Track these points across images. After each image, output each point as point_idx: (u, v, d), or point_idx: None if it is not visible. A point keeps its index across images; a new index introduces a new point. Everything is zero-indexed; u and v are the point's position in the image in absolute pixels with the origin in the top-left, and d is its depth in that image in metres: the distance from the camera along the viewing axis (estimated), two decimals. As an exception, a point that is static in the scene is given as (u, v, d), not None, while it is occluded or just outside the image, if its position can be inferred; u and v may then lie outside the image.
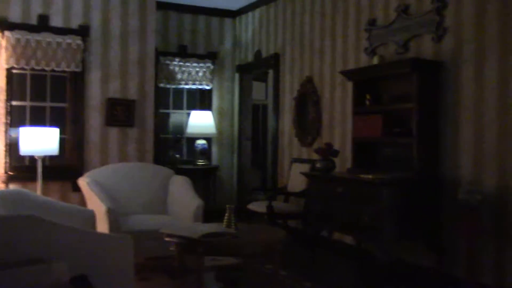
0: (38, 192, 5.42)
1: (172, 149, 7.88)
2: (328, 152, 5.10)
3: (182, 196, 5.34)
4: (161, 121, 7.80)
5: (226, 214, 3.98)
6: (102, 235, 3.34)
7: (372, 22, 5.44)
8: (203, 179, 7.74)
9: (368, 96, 5.11)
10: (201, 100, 8.26)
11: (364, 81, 5.25)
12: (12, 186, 5.96)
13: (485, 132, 4.22)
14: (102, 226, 4.60)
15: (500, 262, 4.08)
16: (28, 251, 2.85)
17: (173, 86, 7.94)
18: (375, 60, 5.08)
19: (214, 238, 3.67)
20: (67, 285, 2.76)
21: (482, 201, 4.00)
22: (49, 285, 2.73)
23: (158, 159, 7.09)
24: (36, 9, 6.25)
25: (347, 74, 5.40)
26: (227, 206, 4.03)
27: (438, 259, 4.51)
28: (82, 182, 5.19)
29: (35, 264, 2.79)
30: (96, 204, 4.80)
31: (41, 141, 5.40)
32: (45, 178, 5.72)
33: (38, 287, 2.71)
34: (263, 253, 4.25)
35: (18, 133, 6.24)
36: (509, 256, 4.02)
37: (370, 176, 4.47)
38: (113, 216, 4.62)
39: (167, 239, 3.89)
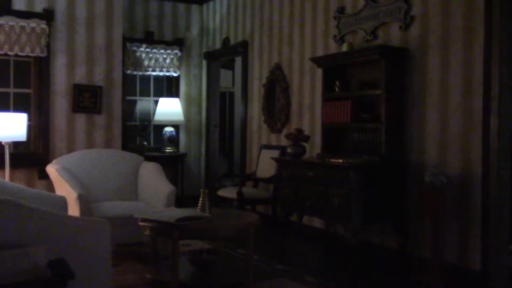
0: (7, 179, 5.30)
1: (139, 136, 7.82)
2: (299, 138, 5.19)
3: (153, 182, 5.33)
4: (128, 108, 7.72)
5: (200, 198, 4.01)
6: (79, 219, 3.31)
7: (341, 10, 5.54)
8: (171, 166, 7.72)
9: (337, 83, 5.22)
10: (169, 87, 8.22)
11: (333, 68, 5.35)
12: (-25, 174, 5.81)
13: (450, 118, 4.38)
14: (73, 212, 4.56)
15: (463, 241, 4.28)
16: (5, 235, 2.82)
17: (140, 73, 7.86)
18: (344, 48, 5.18)
19: (190, 222, 3.69)
20: (45, 269, 2.75)
21: (447, 183, 4.17)
22: (27, 269, 2.72)
23: (126, 147, 7.03)
24: (-2, -8, 6.07)
25: (317, 61, 5.49)
26: (202, 190, 4.06)
27: (404, 241, 4.68)
28: (51, 169, 5.11)
29: (12, 249, 2.77)
30: (66, 191, 4.74)
31: (8, 126, 5.28)
32: (10, 165, 5.59)
33: (16, 271, 2.69)
34: (236, 237, 4.31)
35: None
36: (471, 235, 4.21)
37: (340, 160, 4.58)
38: (84, 202, 4.58)
39: (141, 223, 3.89)
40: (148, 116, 8.02)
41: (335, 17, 5.59)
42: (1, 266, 2.68)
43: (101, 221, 3.23)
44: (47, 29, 6.22)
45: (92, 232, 3.18)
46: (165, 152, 7.75)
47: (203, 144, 8.34)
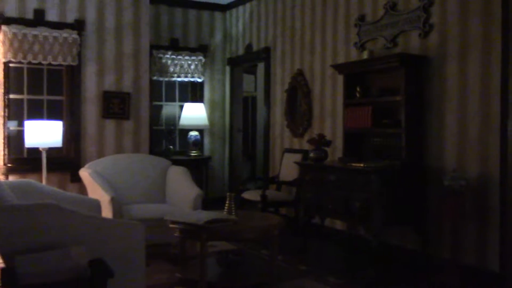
0: (43, 183, 5.58)
1: (165, 140, 8.06)
2: (321, 142, 5.35)
3: (181, 185, 5.55)
4: (154, 113, 7.98)
5: (227, 202, 4.21)
6: (115, 221, 3.55)
7: (361, 18, 5.69)
8: (196, 169, 7.93)
9: (358, 89, 5.37)
10: (193, 93, 8.45)
11: (354, 74, 5.50)
12: (11, 178, 6.11)
13: (468, 123, 4.50)
14: (106, 214, 4.80)
15: (481, 243, 4.39)
16: (48, 236, 3.05)
17: (166, 79, 8.10)
18: (365, 55, 5.34)
19: (217, 224, 3.89)
20: (86, 268, 2.97)
21: (466, 186, 4.30)
22: (69, 268, 2.94)
23: (152, 151, 7.27)
24: (32, 4, 6.36)
25: (338, 67, 5.65)
26: (228, 193, 4.26)
27: (423, 242, 4.81)
28: (84, 173, 5.37)
29: (55, 249, 3.00)
30: (99, 194, 4.99)
31: (45, 133, 5.57)
32: (46, 169, 5.87)
33: (59, 270, 2.92)
34: (260, 238, 4.50)
35: (16, 125, 6.41)
36: (489, 237, 4.33)
37: (361, 165, 4.73)
38: (116, 205, 4.82)
39: (171, 225, 4.10)
40: (173, 121, 8.26)
41: (356, 25, 5.75)
42: (45, 265, 2.91)
43: (135, 223, 3.45)
44: (78, 39, 6.50)
45: (128, 233, 3.40)
46: (190, 155, 7.98)
47: (227, 147, 8.56)
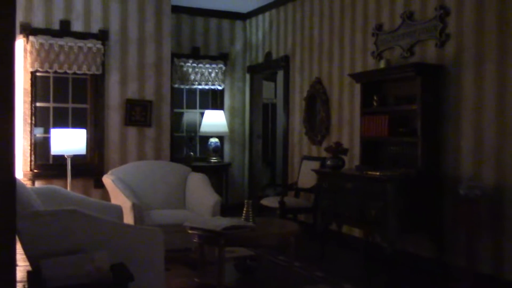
0: (68, 189, 5.77)
1: (186, 147, 8.22)
2: (338, 151, 5.42)
3: (200, 192, 5.68)
4: (175, 120, 8.15)
5: (245, 208, 4.31)
6: (136, 227, 3.68)
7: (379, 27, 5.75)
8: (216, 175, 8.07)
9: (375, 97, 5.43)
10: (213, 100, 8.60)
11: (371, 83, 5.56)
12: (37, 184, 6.32)
13: (484, 132, 4.53)
14: (128, 220, 4.94)
15: (497, 252, 4.41)
16: (72, 241, 3.20)
17: (187, 87, 8.26)
18: (382, 64, 5.40)
19: (235, 230, 4.00)
20: (108, 272, 3.11)
21: (481, 196, 4.32)
22: (91, 271, 3.08)
23: (173, 157, 7.43)
24: (58, 15, 6.59)
25: (355, 76, 5.72)
26: (246, 200, 4.36)
27: (439, 250, 4.84)
28: (107, 179, 5.54)
29: (79, 253, 3.15)
30: (121, 200, 5.14)
31: (70, 141, 5.77)
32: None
33: (82, 274, 3.06)
34: (278, 245, 4.59)
35: (42, 132, 6.63)
36: (505, 246, 4.34)
37: (377, 173, 4.79)
38: (138, 210, 4.97)
39: (190, 231, 4.22)
40: (194, 128, 8.42)
41: (373, 34, 5.81)
42: (69, 268, 3.05)
43: (155, 229, 3.58)
44: (102, 49, 6.70)
45: (147, 239, 3.53)
46: (210, 162, 8.11)
47: (247, 154, 8.67)
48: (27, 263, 3.23)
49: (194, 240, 4.27)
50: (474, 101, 4.64)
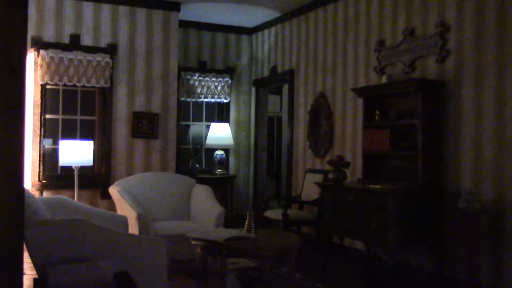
0: (75, 199, 5.89)
1: (192, 159, 8.33)
2: (340, 164, 5.50)
3: (205, 203, 5.77)
4: (182, 132, 8.27)
5: (247, 220, 4.40)
6: (140, 237, 3.77)
7: (381, 43, 5.86)
8: (221, 187, 8.17)
9: (377, 112, 5.52)
10: (220, 113, 8.72)
11: (373, 98, 5.66)
12: (45, 194, 6.45)
13: (484, 146, 4.61)
14: (133, 230, 5.04)
15: (496, 265, 4.46)
16: (77, 250, 3.30)
17: (193, 100, 8.39)
18: (384, 79, 5.50)
19: (237, 241, 4.08)
20: (111, 280, 3.20)
21: (481, 209, 4.38)
22: (96, 280, 3.18)
23: (179, 169, 7.54)
24: (69, 29, 6.76)
25: (358, 91, 5.82)
26: (248, 212, 4.45)
27: (440, 263, 4.89)
28: (113, 190, 5.65)
29: (84, 262, 3.24)
30: (126, 211, 5.25)
31: (78, 152, 5.90)
32: (77, 186, 6.18)
33: (86, 282, 3.16)
34: (279, 256, 4.66)
35: (51, 144, 6.76)
36: (505, 259, 4.39)
37: (378, 186, 4.87)
38: (143, 221, 5.07)
39: (193, 242, 4.31)
40: (200, 140, 8.53)
41: (375, 50, 5.92)
42: (74, 276, 3.15)
43: (159, 239, 3.67)
44: (111, 62, 6.86)
45: (151, 249, 3.62)
46: (216, 174, 8.21)
47: (252, 167, 8.77)
48: (34, 272, 3.33)
49: (197, 251, 4.35)
50: (474, 116, 4.72)
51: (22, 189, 2.02)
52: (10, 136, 1.86)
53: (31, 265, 3.30)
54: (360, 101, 5.91)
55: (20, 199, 1.94)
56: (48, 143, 6.77)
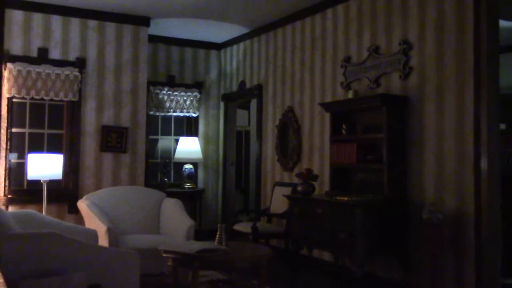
0: (44, 213, 5.81)
1: (160, 173, 8.33)
2: (308, 177, 5.62)
3: (174, 217, 5.79)
4: (150, 146, 8.27)
5: (218, 232, 4.45)
6: (112, 250, 3.78)
7: (347, 59, 6.05)
8: (190, 201, 8.17)
9: (344, 126, 5.68)
10: (188, 127, 8.76)
11: (340, 112, 5.82)
12: (11, 209, 6.33)
13: (445, 160, 4.81)
14: (102, 244, 5.02)
15: (459, 273, 4.63)
16: (50, 263, 3.29)
17: (162, 114, 8.41)
18: (350, 94, 5.67)
19: (209, 253, 4.13)
20: (85, 293, 3.21)
21: (443, 220, 4.56)
22: (69, 293, 3.17)
23: (148, 183, 7.53)
24: (37, 43, 6.72)
25: (325, 106, 5.98)
26: (219, 225, 4.51)
27: (406, 273, 5.04)
28: (82, 204, 5.61)
29: (57, 275, 3.24)
30: (95, 224, 5.22)
31: (46, 166, 5.84)
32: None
33: (59, 295, 3.15)
34: (250, 268, 4.72)
35: (16, 158, 6.67)
36: (466, 269, 4.57)
37: (345, 198, 5.00)
38: (112, 235, 5.06)
39: (164, 255, 4.34)
40: (169, 154, 8.54)
41: (342, 66, 6.11)
42: (47, 290, 3.14)
43: (131, 252, 3.70)
44: (79, 76, 6.84)
45: (123, 262, 3.64)
46: (185, 188, 8.22)
47: (220, 180, 8.82)
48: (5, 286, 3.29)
49: (168, 263, 4.38)
50: (435, 130, 4.92)
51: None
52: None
53: (1, 280, 3.27)
54: (328, 115, 6.07)
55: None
56: (14, 157, 6.67)
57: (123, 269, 3.57)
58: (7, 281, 3.25)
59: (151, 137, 8.32)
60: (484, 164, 4.45)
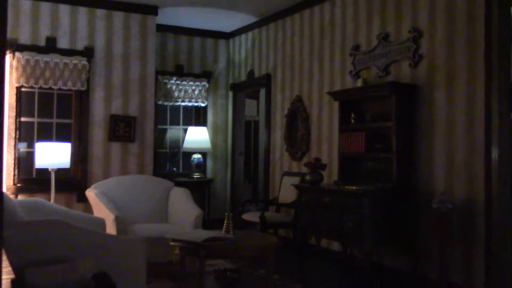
0: (52, 201, 5.83)
1: (169, 162, 8.33)
2: (317, 166, 5.58)
3: (182, 206, 5.79)
4: (159, 136, 8.27)
5: (225, 221, 4.44)
6: (119, 238, 3.77)
7: (356, 48, 5.98)
8: (198, 191, 8.18)
9: (352, 115, 5.62)
10: (197, 117, 8.75)
11: (349, 101, 5.77)
12: (20, 197, 6.37)
13: (455, 148, 4.74)
14: (110, 233, 5.03)
15: (468, 263, 4.59)
16: (56, 251, 3.29)
17: (170, 104, 8.40)
18: (359, 83, 5.61)
19: (216, 242, 4.12)
20: (90, 281, 3.20)
21: (453, 209, 4.51)
22: (75, 280, 3.17)
23: (156, 173, 7.53)
24: (45, 32, 6.72)
25: (334, 94, 5.93)
26: (226, 214, 4.49)
27: (413, 262, 5.00)
28: (91, 193, 5.63)
29: (63, 262, 3.24)
30: (104, 213, 5.23)
31: (54, 155, 5.85)
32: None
33: (65, 282, 3.15)
34: (258, 257, 4.71)
35: (26, 147, 6.70)
36: (475, 258, 4.52)
37: (354, 187, 4.96)
38: (120, 224, 5.06)
39: (172, 243, 4.33)
40: (177, 144, 8.53)
41: (351, 54, 6.04)
42: (53, 277, 3.14)
43: (138, 240, 3.69)
44: (87, 65, 6.83)
45: (130, 250, 3.63)
46: (193, 177, 8.22)
47: (229, 170, 8.80)
48: (9, 276, 3.30)
49: (176, 252, 4.37)
50: (445, 119, 4.85)
51: (0, 192, 2.02)
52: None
53: (9, 269, 3.28)
54: (336, 104, 6.02)
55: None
56: (23, 147, 6.70)
57: (129, 258, 3.57)
58: (13, 268, 3.26)
59: (160, 126, 8.32)
60: (494, 153, 4.38)
